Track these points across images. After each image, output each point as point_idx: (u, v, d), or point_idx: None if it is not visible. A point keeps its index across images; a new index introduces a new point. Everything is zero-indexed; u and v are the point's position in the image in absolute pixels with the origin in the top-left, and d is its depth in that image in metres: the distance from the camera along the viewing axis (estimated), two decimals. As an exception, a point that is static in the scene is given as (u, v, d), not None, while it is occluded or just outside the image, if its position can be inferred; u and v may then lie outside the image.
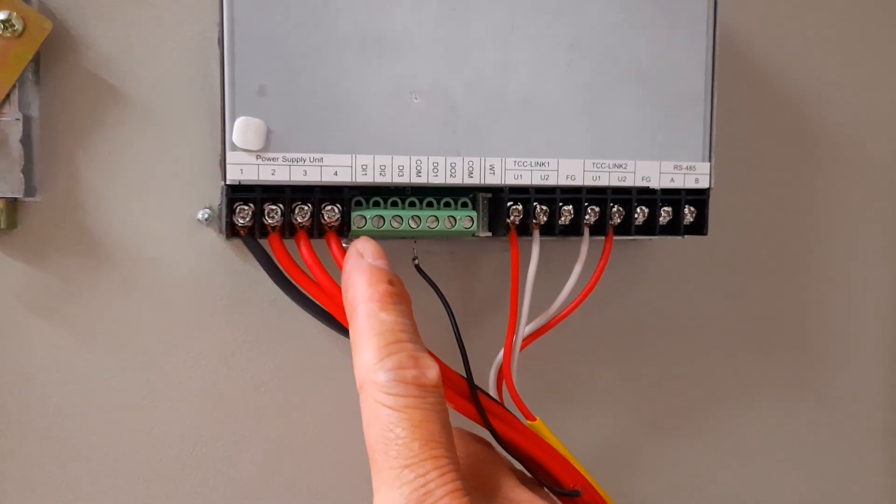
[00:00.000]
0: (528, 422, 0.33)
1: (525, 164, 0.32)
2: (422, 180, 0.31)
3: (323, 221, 0.31)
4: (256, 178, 0.30)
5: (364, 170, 0.30)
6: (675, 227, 0.34)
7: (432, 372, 0.25)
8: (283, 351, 0.36)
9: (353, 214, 0.31)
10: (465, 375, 0.31)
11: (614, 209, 0.33)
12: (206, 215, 0.35)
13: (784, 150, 0.43)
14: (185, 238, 0.35)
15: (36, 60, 0.32)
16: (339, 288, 0.30)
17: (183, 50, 0.34)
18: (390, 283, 0.27)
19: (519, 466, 0.32)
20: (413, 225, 0.31)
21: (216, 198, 0.35)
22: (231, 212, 0.30)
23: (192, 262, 0.35)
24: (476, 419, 0.31)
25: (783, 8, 0.42)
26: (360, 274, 0.27)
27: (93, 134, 0.34)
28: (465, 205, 0.33)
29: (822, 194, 0.44)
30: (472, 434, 0.32)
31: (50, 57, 0.33)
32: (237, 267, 0.36)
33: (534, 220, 0.32)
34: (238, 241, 0.35)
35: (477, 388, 0.31)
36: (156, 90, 0.34)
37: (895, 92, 0.45)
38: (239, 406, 0.36)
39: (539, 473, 0.32)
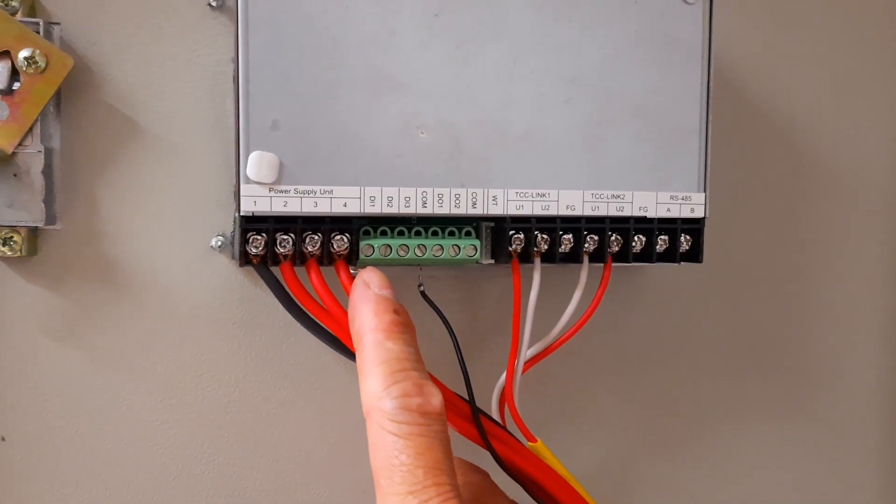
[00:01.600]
0: (529, 443, 0.34)
1: (526, 194, 0.33)
2: (427, 210, 0.32)
3: (332, 250, 0.32)
4: (269, 210, 0.31)
5: (372, 201, 0.32)
6: (671, 255, 0.35)
7: (436, 399, 0.26)
8: (293, 374, 0.38)
9: (362, 243, 0.32)
10: (467, 399, 0.32)
11: (612, 237, 0.34)
12: (220, 242, 0.36)
13: (776, 179, 0.44)
14: (199, 265, 0.36)
15: (57, 94, 0.34)
16: (347, 314, 0.31)
17: (198, 84, 0.36)
18: (396, 312, 0.28)
19: (519, 491, 0.33)
20: (419, 253, 0.33)
21: (229, 225, 0.36)
22: (244, 241, 0.31)
23: (206, 287, 0.36)
24: (478, 441, 0.32)
25: (775, 41, 0.44)
26: (367, 304, 0.28)
27: (111, 165, 0.35)
28: (468, 234, 0.34)
29: (813, 222, 0.45)
30: (470, 464, 0.33)
31: (70, 91, 0.34)
32: (249, 293, 0.37)
33: (535, 249, 0.33)
34: (250, 268, 0.36)
35: (479, 410, 0.32)
36: (171, 122, 0.36)
37: (885, 122, 0.46)
38: (250, 427, 0.37)
39: (540, 496, 0.33)
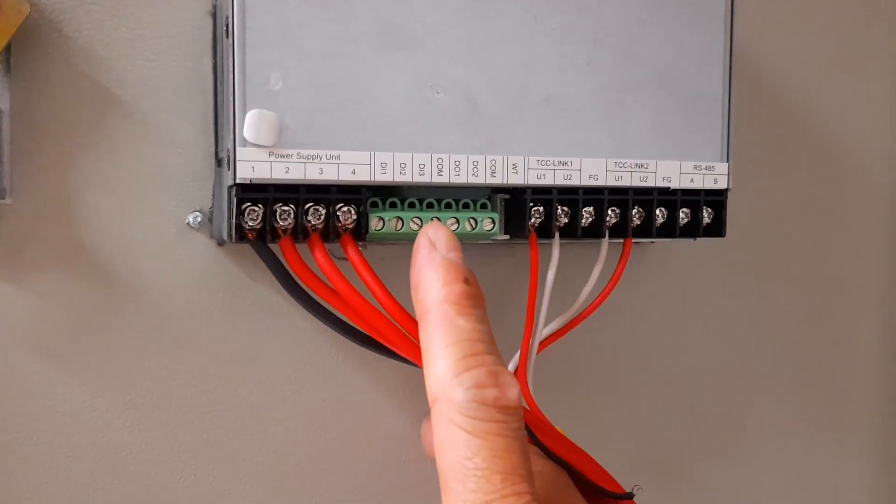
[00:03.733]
0: (550, 432, 0.31)
1: (548, 163, 0.30)
2: (443, 179, 0.29)
3: (338, 223, 0.28)
4: (269, 177, 0.27)
5: (383, 168, 0.28)
6: (693, 229, 0.33)
7: (513, 391, 0.22)
8: (283, 365, 0.34)
9: (371, 216, 0.29)
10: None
11: (634, 211, 0.32)
12: (198, 219, 0.32)
13: (796, 152, 0.43)
14: (173, 245, 0.32)
15: (7, 48, 0.29)
16: (359, 296, 0.28)
17: (172, 41, 0.32)
18: (466, 281, 0.24)
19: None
20: (433, 227, 0.29)
21: (207, 200, 0.32)
22: (240, 213, 0.27)
23: (183, 270, 0.32)
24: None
25: (795, 16, 0.42)
26: (434, 269, 0.24)
27: (70, 131, 0.31)
28: (483, 206, 0.31)
29: (836, 201, 0.44)
30: (536, 450, 0.30)
31: (23, 44, 0.30)
32: (231, 275, 0.33)
33: (555, 223, 0.31)
34: (232, 247, 0.33)
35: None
36: (141, 83, 0.31)
37: None
38: (236, 426, 0.33)
39: (582, 482, 0.30)
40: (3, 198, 0.29)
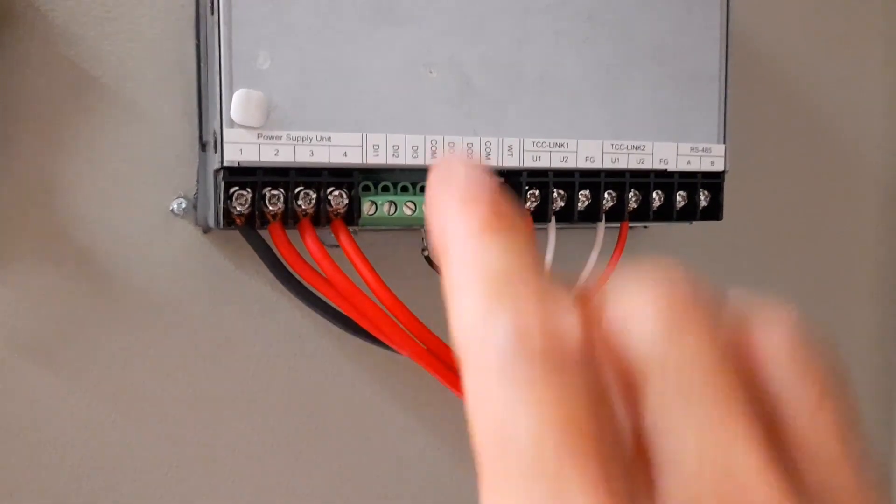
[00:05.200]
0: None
1: (544, 144, 0.30)
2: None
3: (329, 208, 0.27)
4: (258, 159, 0.26)
5: (376, 150, 0.27)
6: (690, 212, 0.33)
7: (574, 330, 0.15)
8: (272, 354, 0.33)
9: (363, 200, 0.28)
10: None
11: (630, 194, 0.31)
12: (182, 206, 0.31)
13: (792, 133, 0.42)
14: (157, 232, 0.31)
15: (-21, 27, 0.28)
16: (351, 283, 0.27)
17: (154, 21, 0.30)
18: (496, 202, 0.18)
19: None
20: (427, 211, 0.29)
21: (191, 186, 0.31)
22: (228, 197, 0.26)
23: (167, 258, 0.31)
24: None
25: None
26: (453, 196, 0.18)
27: (50, 114, 0.29)
28: (478, 190, 0.30)
29: (829, 184, 0.44)
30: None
31: (-3, 23, 0.28)
32: (217, 262, 0.32)
33: (552, 206, 0.30)
34: (218, 234, 0.31)
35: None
36: (123, 65, 0.30)
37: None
38: (223, 415, 0.32)
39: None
40: (-22, 184, 0.28)
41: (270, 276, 0.32)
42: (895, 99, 0.46)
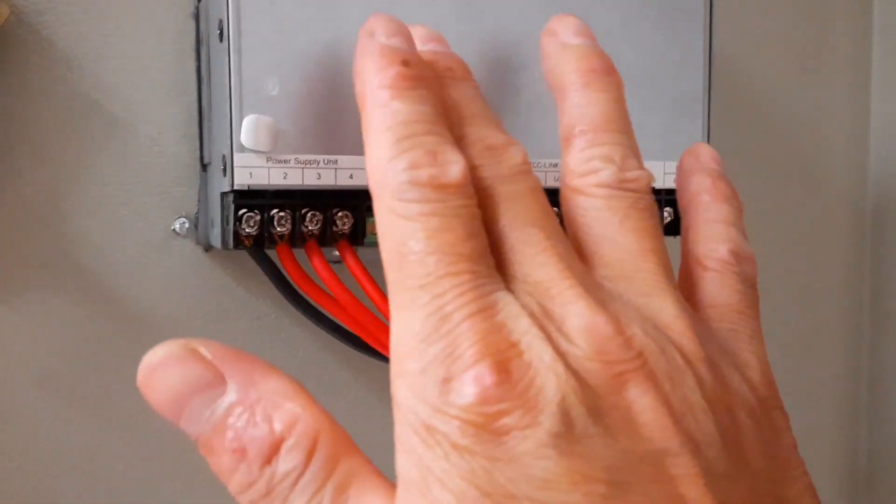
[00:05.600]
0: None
1: (540, 165, 0.31)
2: (438, 183, 0.29)
3: (334, 229, 0.28)
4: (267, 183, 0.27)
5: (380, 172, 0.28)
6: (676, 228, 0.34)
7: (455, 168, 0.20)
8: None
9: (368, 221, 0.29)
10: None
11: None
12: (186, 226, 0.31)
13: (767, 153, 0.44)
14: (160, 252, 0.31)
15: (-18, 51, 0.28)
16: (357, 302, 0.28)
17: (153, 44, 0.31)
18: (405, 63, 0.22)
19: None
20: (428, 231, 0.30)
21: (192, 206, 0.32)
22: (237, 220, 0.27)
23: (170, 277, 0.32)
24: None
25: (757, 18, 0.44)
26: (369, 57, 0.22)
27: (49, 136, 0.30)
28: (476, 209, 0.31)
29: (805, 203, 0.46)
30: None
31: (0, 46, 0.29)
32: (219, 281, 0.32)
33: (546, 224, 0.31)
34: (219, 253, 0.32)
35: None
36: (123, 87, 0.31)
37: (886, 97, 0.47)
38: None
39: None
40: (-19, 207, 0.28)
41: (271, 292, 0.33)
42: (859, 118, 0.48)
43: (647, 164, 0.33)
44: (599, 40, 0.32)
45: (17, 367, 0.30)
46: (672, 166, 0.33)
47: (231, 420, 0.19)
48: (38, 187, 0.30)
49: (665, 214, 0.34)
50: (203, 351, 0.20)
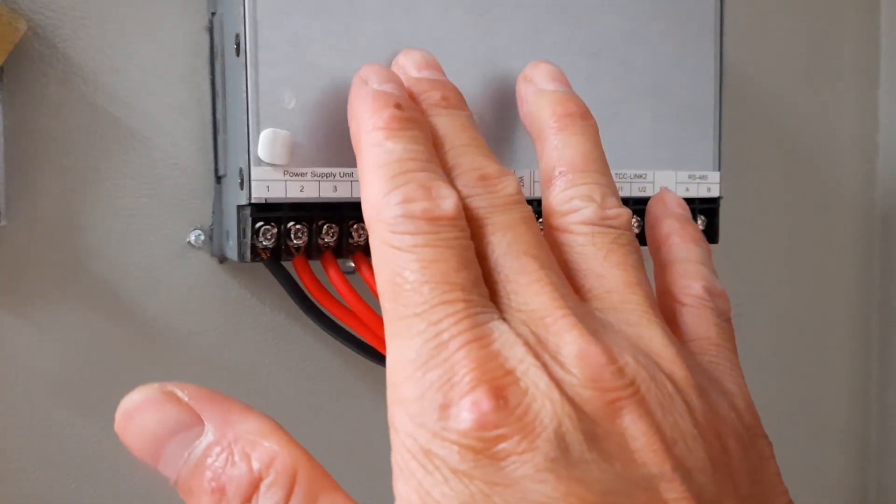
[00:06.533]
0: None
1: (552, 176, 0.31)
2: (453, 194, 0.29)
3: (350, 241, 0.28)
4: (284, 196, 0.27)
5: (395, 184, 0.28)
6: (689, 236, 0.34)
7: (448, 202, 0.21)
8: (291, 384, 0.33)
9: (383, 232, 0.29)
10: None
11: (633, 221, 0.33)
12: (202, 238, 0.31)
13: (776, 160, 0.44)
14: (175, 264, 0.31)
15: (-1, 65, 0.28)
16: (373, 313, 0.28)
17: (167, 57, 0.31)
18: (398, 106, 0.23)
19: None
20: (443, 242, 0.30)
21: (207, 218, 0.32)
22: (254, 233, 0.27)
23: (184, 289, 0.32)
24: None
25: (768, 27, 0.44)
26: (363, 101, 0.24)
27: (65, 150, 0.30)
28: (490, 219, 0.31)
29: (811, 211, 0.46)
30: None
31: (15, 62, 0.29)
32: (234, 293, 0.32)
33: (560, 234, 0.31)
34: (234, 264, 0.32)
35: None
36: (137, 100, 0.31)
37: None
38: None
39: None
40: (-2, 220, 0.29)
41: (286, 304, 0.33)
42: (868, 123, 0.48)
43: (659, 173, 0.33)
44: (613, 54, 0.32)
45: (33, 378, 0.30)
46: (684, 175, 0.33)
47: (209, 460, 0.20)
48: (54, 200, 0.30)
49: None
50: (179, 393, 0.21)
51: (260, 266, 0.33)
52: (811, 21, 0.46)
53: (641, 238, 0.33)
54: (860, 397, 0.50)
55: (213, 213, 0.32)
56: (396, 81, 0.25)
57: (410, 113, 0.23)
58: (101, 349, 0.31)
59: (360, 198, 0.28)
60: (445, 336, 0.19)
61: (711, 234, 0.34)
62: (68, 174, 0.30)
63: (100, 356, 0.31)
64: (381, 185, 0.22)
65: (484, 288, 0.21)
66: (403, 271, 0.20)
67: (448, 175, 0.23)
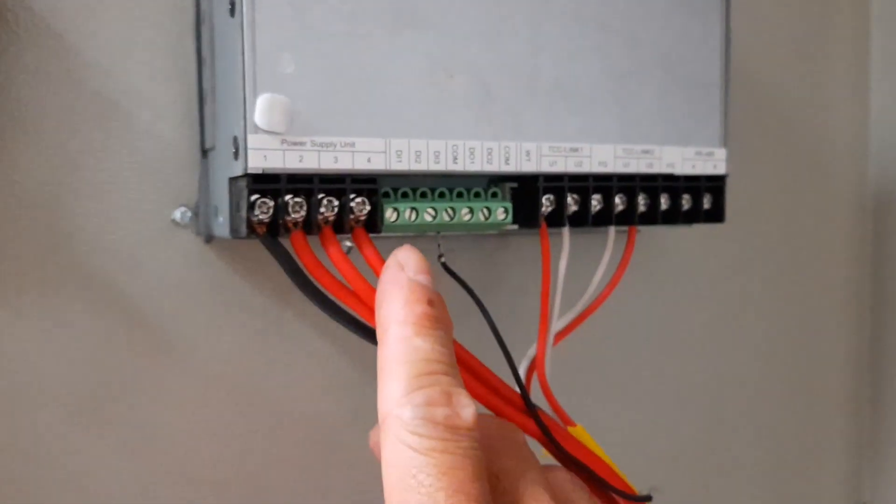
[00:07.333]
0: (569, 428, 0.30)
1: (560, 150, 0.30)
2: (458, 167, 0.28)
3: (350, 215, 0.27)
4: (283, 166, 0.25)
5: (399, 156, 0.27)
6: (695, 215, 0.33)
7: (468, 412, 0.22)
8: (280, 366, 0.32)
9: (386, 207, 0.27)
10: (512, 387, 0.28)
11: (640, 198, 0.32)
12: (188, 215, 0.30)
13: (777, 140, 0.44)
14: (160, 243, 0.30)
15: (-32, 27, 0.26)
16: (375, 293, 0.26)
17: (151, 20, 0.29)
18: (430, 303, 0.23)
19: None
20: (447, 217, 0.28)
21: (193, 194, 0.30)
22: (250, 206, 0.25)
23: (170, 269, 0.30)
24: (534, 433, 0.28)
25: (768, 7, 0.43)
26: (398, 289, 0.24)
27: (41, 121, 0.28)
28: (494, 195, 0.30)
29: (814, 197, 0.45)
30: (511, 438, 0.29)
31: (-13, 23, 0.27)
32: (221, 274, 0.31)
33: (566, 211, 0.30)
34: (221, 244, 0.30)
35: (528, 400, 0.28)
36: (119, 68, 0.29)
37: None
38: (228, 435, 0.31)
39: (596, 483, 0.29)
40: (-33, 195, 0.26)
41: (274, 284, 0.31)
42: (859, 107, 0.48)
43: (668, 149, 0.32)
44: (621, 26, 0.31)
45: (13, 363, 0.28)
46: (690, 152, 0.32)
47: None
48: (32, 174, 0.28)
49: (684, 202, 0.33)
50: None
51: (248, 246, 0.31)
52: (803, 3, 0.45)
53: (647, 216, 0.32)
54: (855, 383, 0.50)
55: (200, 188, 0.30)
56: (430, 273, 0.25)
57: (441, 312, 0.24)
58: (81, 333, 0.28)
59: (361, 170, 0.27)
60: None
61: (717, 212, 0.34)
62: (45, 148, 0.28)
63: (79, 340, 0.28)
64: (404, 382, 0.22)
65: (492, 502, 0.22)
66: (419, 473, 0.21)
67: None
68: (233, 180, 0.26)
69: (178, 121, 0.30)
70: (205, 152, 0.30)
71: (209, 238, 0.30)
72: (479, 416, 0.22)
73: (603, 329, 0.38)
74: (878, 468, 0.50)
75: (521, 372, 0.31)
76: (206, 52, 0.29)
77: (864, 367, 0.50)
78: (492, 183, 0.30)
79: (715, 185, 0.33)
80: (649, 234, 0.40)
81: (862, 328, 0.50)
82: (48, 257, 0.28)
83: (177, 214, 0.30)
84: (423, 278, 0.24)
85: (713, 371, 0.44)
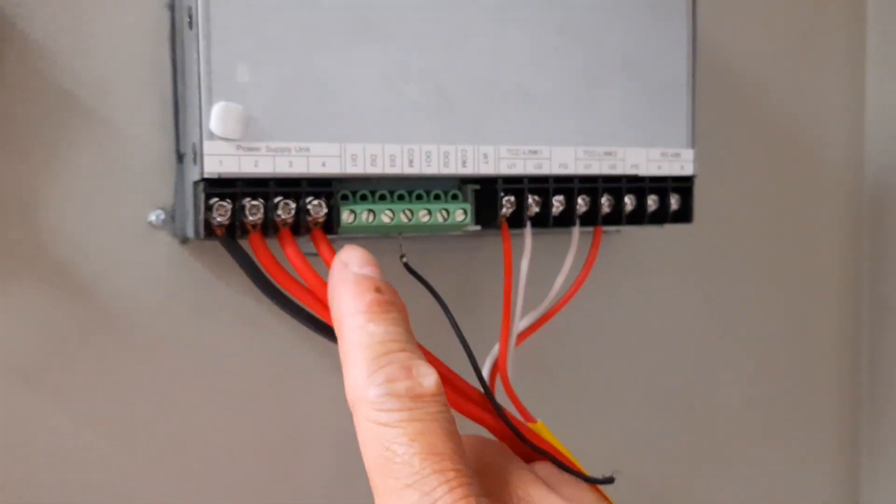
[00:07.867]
0: (529, 424, 0.31)
1: (518, 152, 0.30)
2: (414, 170, 0.29)
3: (308, 218, 0.28)
4: (238, 171, 0.27)
5: (354, 160, 0.28)
6: (662, 216, 0.33)
7: (429, 380, 0.23)
8: (255, 366, 0.33)
9: (342, 209, 0.28)
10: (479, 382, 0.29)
11: (604, 199, 0.32)
12: (162, 217, 0.31)
13: (754, 139, 0.43)
14: (136, 244, 0.31)
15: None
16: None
17: (128, 29, 0.30)
18: (378, 290, 0.25)
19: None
20: (405, 219, 0.29)
21: (169, 197, 0.31)
22: (208, 209, 0.27)
23: (147, 270, 0.31)
24: (491, 426, 0.29)
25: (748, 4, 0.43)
26: (345, 285, 0.25)
27: (23, 130, 0.29)
28: (455, 197, 0.31)
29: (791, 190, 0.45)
30: (486, 440, 0.30)
31: (-32, 37, 0.28)
32: (197, 274, 0.32)
33: (527, 212, 0.31)
34: (196, 245, 0.32)
35: (488, 392, 0.29)
36: (97, 78, 0.30)
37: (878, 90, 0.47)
38: (207, 437, 0.32)
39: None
40: (-46, 199, 0.28)
41: (250, 285, 0.32)
42: (852, 104, 0.47)
43: (631, 150, 0.32)
44: (582, 29, 0.31)
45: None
46: (656, 153, 0.33)
47: None
48: (11, 179, 0.29)
49: (650, 202, 0.33)
50: None
51: (222, 247, 0.32)
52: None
53: (612, 217, 0.33)
54: (849, 388, 0.49)
55: (175, 192, 0.31)
56: (375, 265, 0.26)
57: (389, 296, 0.25)
58: (61, 333, 0.30)
59: (316, 174, 0.28)
60: None
61: (685, 213, 0.34)
62: (25, 153, 0.29)
63: (59, 341, 0.30)
64: (365, 366, 0.23)
65: (468, 458, 0.22)
66: (392, 444, 0.22)
67: None
68: (195, 184, 0.28)
69: (155, 128, 0.31)
70: (180, 157, 0.31)
71: (185, 239, 0.32)
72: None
73: (571, 329, 0.39)
74: (876, 469, 0.49)
75: (485, 371, 0.32)
76: (179, 63, 0.30)
77: (863, 368, 0.49)
78: (461, 185, 0.31)
79: (683, 185, 0.33)
80: (627, 235, 0.40)
81: (859, 328, 0.49)
82: (28, 258, 0.29)
83: (152, 217, 0.31)
84: (368, 270, 0.26)
85: (688, 371, 0.44)
